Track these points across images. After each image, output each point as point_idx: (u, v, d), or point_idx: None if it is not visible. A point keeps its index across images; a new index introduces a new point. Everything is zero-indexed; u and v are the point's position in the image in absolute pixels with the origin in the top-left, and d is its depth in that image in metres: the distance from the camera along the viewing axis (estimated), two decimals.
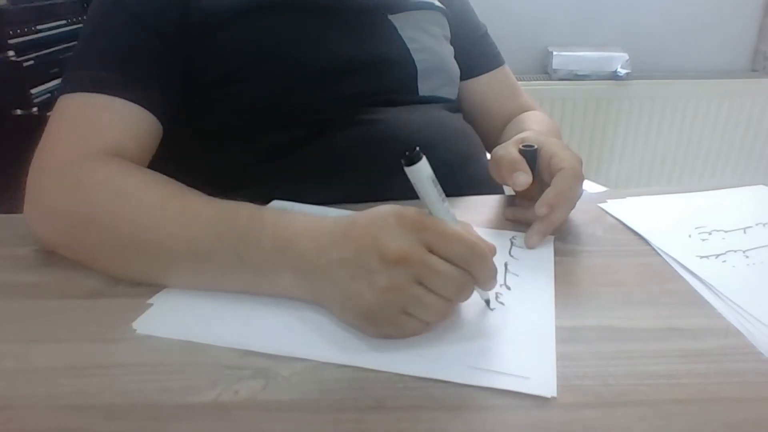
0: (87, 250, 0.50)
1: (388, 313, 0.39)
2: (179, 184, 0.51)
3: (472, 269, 0.40)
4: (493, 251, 0.42)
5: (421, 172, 0.40)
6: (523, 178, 0.54)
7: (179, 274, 0.46)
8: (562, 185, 0.53)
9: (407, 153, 0.39)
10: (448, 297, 0.40)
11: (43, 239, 0.53)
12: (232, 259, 0.45)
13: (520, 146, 0.57)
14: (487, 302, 0.45)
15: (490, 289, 0.43)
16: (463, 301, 0.42)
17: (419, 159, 0.39)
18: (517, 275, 0.49)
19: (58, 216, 0.51)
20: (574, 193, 0.54)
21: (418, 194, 0.41)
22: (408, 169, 0.39)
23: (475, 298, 0.44)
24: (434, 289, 0.39)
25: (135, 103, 0.57)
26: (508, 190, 0.64)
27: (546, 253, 0.52)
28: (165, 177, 0.52)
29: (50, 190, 0.52)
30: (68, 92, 0.57)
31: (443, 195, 0.41)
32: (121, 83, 0.57)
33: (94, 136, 0.54)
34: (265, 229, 0.44)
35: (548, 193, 0.52)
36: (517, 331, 0.41)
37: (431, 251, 0.39)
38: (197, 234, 0.46)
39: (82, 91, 0.56)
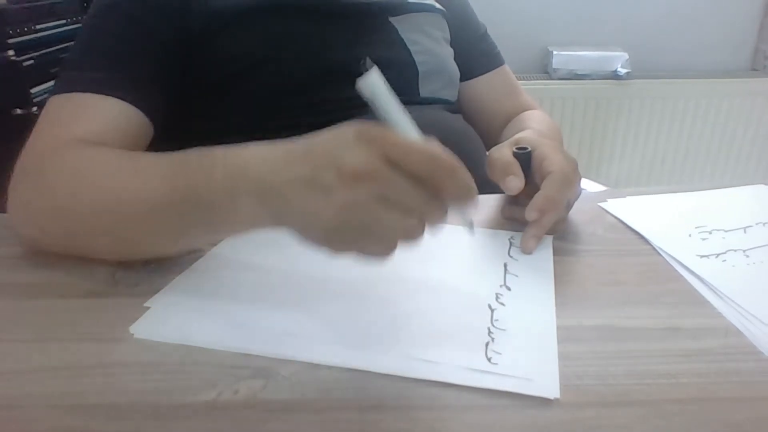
0: (62, 239, 0.50)
1: (347, 231, 0.37)
2: (139, 152, 0.51)
3: (439, 181, 0.37)
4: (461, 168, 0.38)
5: (375, 82, 0.37)
6: (515, 183, 0.54)
7: (151, 239, 0.47)
8: (551, 189, 0.53)
9: (357, 64, 0.37)
10: (412, 213, 0.37)
11: (27, 238, 0.53)
12: (187, 205, 0.43)
13: (514, 149, 0.57)
14: (470, 225, 0.42)
15: (467, 207, 0.39)
16: (433, 220, 0.39)
17: (370, 67, 0.36)
18: (517, 276, 0.49)
19: (32, 212, 0.51)
20: (563, 197, 0.54)
21: (376, 112, 0.39)
22: (362, 83, 0.37)
23: (478, 300, 0.44)
24: (397, 206, 0.37)
25: (122, 99, 0.57)
26: None
27: (545, 253, 0.52)
28: (126, 150, 0.52)
29: (22, 189, 0.52)
30: (56, 93, 0.57)
31: (402, 107, 0.38)
32: (109, 81, 0.57)
33: (74, 130, 0.54)
34: (215, 160, 0.43)
35: (537, 198, 0.52)
36: (519, 332, 0.41)
37: (393, 166, 0.36)
38: (152, 191, 0.45)
39: (68, 91, 0.57)
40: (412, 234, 0.38)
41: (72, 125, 0.55)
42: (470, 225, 0.42)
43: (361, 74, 0.36)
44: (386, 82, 0.38)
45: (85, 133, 0.54)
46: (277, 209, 0.40)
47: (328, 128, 0.40)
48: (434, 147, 0.38)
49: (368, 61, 0.37)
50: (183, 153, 0.46)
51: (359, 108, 0.67)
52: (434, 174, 0.37)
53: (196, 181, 0.43)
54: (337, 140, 0.38)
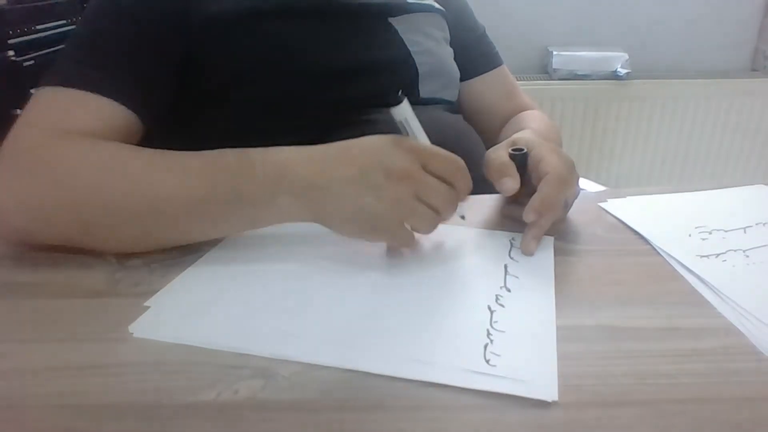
0: (75, 230, 0.49)
1: (390, 222, 0.47)
2: (153, 149, 0.51)
3: (457, 183, 0.48)
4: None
5: (406, 109, 0.48)
6: (510, 184, 0.54)
7: (181, 230, 0.49)
8: (547, 191, 0.53)
9: (392, 95, 0.47)
10: (437, 209, 0.47)
11: (22, 231, 0.51)
12: (229, 199, 0.48)
13: (510, 150, 0.57)
14: (462, 217, 0.53)
15: (464, 200, 0.51)
16: (448, 215, 0.49)
17: (402, 99, 0.48)
18: (517, 277, 0.49)
19: (36, 202, 0.49)
20: (559, 198, 0.54)
21: (403, 129, 0.49)
22: (394, 109, 0.48)
23: (478, 302, 0.44)
24: (428, 202, 0.46)
25: (111, 98, 0.56)
26: None
27: (546, 255, 0.52)
28: (137, 146, 0.52)
29: (21, 178, 0.50)
30: (46, 85, 0.56)
31: (420, 126, 0.50)
32: (99, 79, 0.57)
33: (65, 124, 0.54)
34: (254, 163, 0.48)
35: (534, 200, 0.52)
36: (518, 334, 0.41)
37: (425, 169, 0.46)
38: (190, 187, 0.48)
39: (59, 84, 0.56)
40: (435, 225, 0.48)
41: (64, 120, 0.54)
42: (463, 217, 0.53)
43: (390, 104, 0.47)
44: (412, 108, 0.49)
45: (77, 127, 0.54)
46: (319, 205, 0.47)
47: (363, 138, 0.48)
48: (450, 153, 0.48)
49: (400, 94, 0.48)
50: (217, 152, 0.50)
51: (359, 108, 0.68)
52: (454, 174, 0.48)
53: (238, 181, 0.48)
54: (377, 146, 0.47)
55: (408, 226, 0.48)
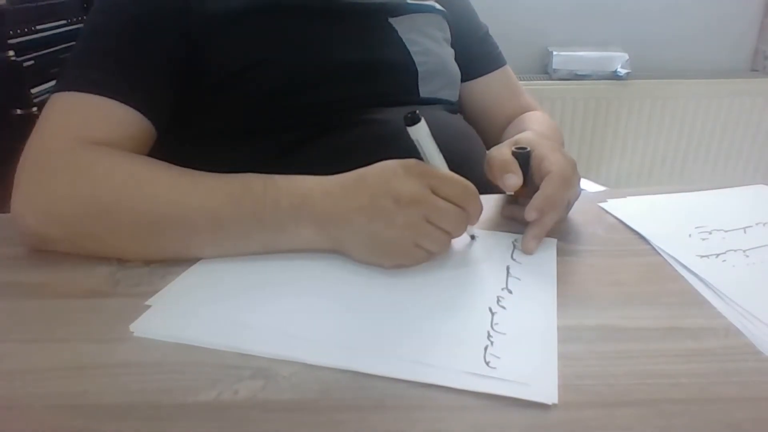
0: (98, 237, 0.50)
1: (403, 246, 0.48)
2: (180, 167, 0.53)
3: (467, 206, 0.48)
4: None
5: (423, 129, 0.49)
6: (513, 180, 0.54)
7: (201, 244, 0.50)
8: (550, 190, 0.53)
9: (409, 115, 0.48)
10: (448, 230, 0.48)
11: (38, 235, 0.51)
12: (251, 222, 0.49)
13: (513, 148, 0.57)
14: (472, 237, 0.54)
15: (474, 224, 0.51)
16: (459, 235, 0.50)
17: (419, 119, 0.48)
18: (519, 279, 0.49)
19: (61, 211, 0.50)
20: (562, 198, 0.54)
21: (420, 149, 0.49)
22: (411, 129, 0.48)
23: (479, 304, 0.44)
24: (439, 224, 0.47)
25: (127, 105, 0.57)
26: None
27: (548, 257, 0.52)
28: (164, 162, 0.53)
29: (47, 186, 0.51)
30: (61, 90, 0.57)
31: (438, 148, 0.50)
32: (115, 84, 0.57)
33: (85, 131, 0.54)
34: (279, 190, 0.50)
35: (536, 198, 0.52)
36: (518, 336, 0.41)
37: (434, 193, 0.47)
38: (216, 204, 0.49)
39: (75, 90, 0.56)
40: (447, 246, 0.50)
41: (84, 127, 0.55)
42: (473, 236, 0.54)
43: (411, 118, 0.48)
44: (429, 129, 0.49)
45: (99, 136, 0.54)
46: (338, 235, 0.49)
47: (375, 164, 0.49)
48: (461, 178, 0.49)
49: (417, 113, 0.48)
50: (242, 176, 0.51)
51: (358, 108, 0.68)
52: (465, 198, 0.48)
53: (263, 206, 0.49)
54: (387, 173, 0.48)
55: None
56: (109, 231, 0.50)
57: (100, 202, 0.50)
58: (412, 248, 0.48)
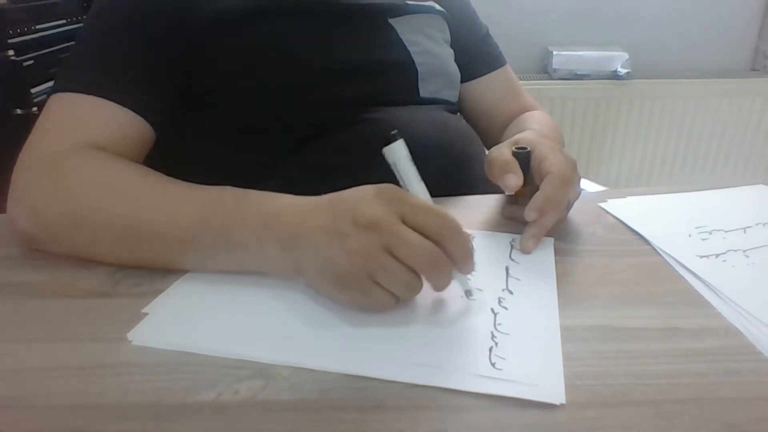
0: (79, 245, 0.50)
1: (357, 277, 0.40)
2: (160, 174, 0.52)
3: (444, 242, 0.40)
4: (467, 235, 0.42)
5: (399, 151, 0.44)
6: (513, 181, 0.54)
7: (172, 257, 0.48)
8: (550, 190, 0.52)
9: (390, 134, 0.43)
10: (417, 268, 0.40)
11: (29, 236, 0.53)
12: (218, 240, 0.46)
13: (513, 148, 0.57)
14: (467, 293, 0.44)
15: (467, 273, 0.43)
16: (438, 280, 0.42)
17: (395, 140, 0.43)
18: (519, 279, 0.48)
19: (45, 214, 0.51)
20: (562, 197, 0.54)
21: (396, 174, 0.44)
22: (386, 149, 0.43)
23: (481, 305, 0.44)
24: (404, 260, 0.40)
25: (125, 106, 0.57)
26: None
27: (547, 256, 0.52)
28: (146, 168, 0.53)
29: (34, 188, 0.52)
30: (59, 91, 0.57)
31: (419, 176, 0.44)
32: (112, 86, 0.57)
33: (81, 134, 0.55)
34: (251, 207, 0.46)
35: (536, 198, 0.52)
36: (522, 336, 0.41)
37: (404, 223, 0.40)
38: (183, 220, 0.48)
39: (73, 91, 0.56)
40: (414, 288, 0.41)
41: (80, 129, 0.55)
42: (468, 292, 0.44)
43: (386, 138, 0.43)
44: (408, 152, 0.44)
45: (95, 138, 0.55)
46: (298, 256, 0.44)
47: (353, 188, 0.44)
48: (441, 209, 0.42)
49: (397, 133, 0.44)
50: (217, 189, 0.49)
51: (358, 108, 0.68)
52: (441, 231, 0.40)
53: (231, 221, 0.46)
54: (358, 195, 0.43)
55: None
56: (89, 238, 0.50)
57: (80, 209, 0.50)
58: (366, 282, 0.40)
